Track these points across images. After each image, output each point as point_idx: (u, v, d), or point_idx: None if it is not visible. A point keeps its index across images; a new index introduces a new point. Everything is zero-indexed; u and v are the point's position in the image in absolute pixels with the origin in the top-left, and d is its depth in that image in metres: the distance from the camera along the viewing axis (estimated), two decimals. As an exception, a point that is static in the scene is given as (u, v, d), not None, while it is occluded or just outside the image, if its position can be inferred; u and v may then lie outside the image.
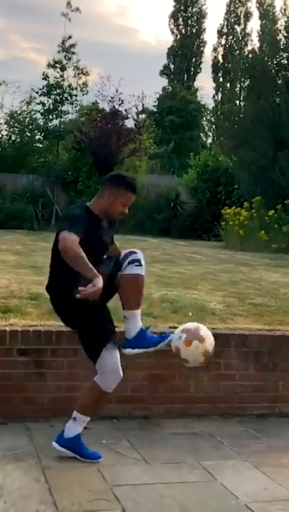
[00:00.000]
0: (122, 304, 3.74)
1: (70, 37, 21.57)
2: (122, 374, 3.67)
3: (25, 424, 4.19)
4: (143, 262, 3.67)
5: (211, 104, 39.14)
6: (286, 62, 17.66)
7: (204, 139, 37.68)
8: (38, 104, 22.37)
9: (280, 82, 17.30)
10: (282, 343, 4.89)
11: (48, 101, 21.92)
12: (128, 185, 3.72)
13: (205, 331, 3.70)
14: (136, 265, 3.62)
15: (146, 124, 23.25)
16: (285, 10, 17.80)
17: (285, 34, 17.58)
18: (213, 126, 35.54)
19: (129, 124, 21.97)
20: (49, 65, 21.66)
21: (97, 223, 3.67)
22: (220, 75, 39.98)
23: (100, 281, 3.25)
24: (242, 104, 21.62)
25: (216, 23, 64.44)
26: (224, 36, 40.25)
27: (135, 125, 22.29)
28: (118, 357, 3.65)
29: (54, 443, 3.70)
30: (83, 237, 3.41)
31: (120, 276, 3.65)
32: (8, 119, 23.24)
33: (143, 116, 30.82)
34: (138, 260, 3.64)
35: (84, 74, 21.75)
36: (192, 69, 41.27)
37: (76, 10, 21.72)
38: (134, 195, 3.74)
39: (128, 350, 3.72)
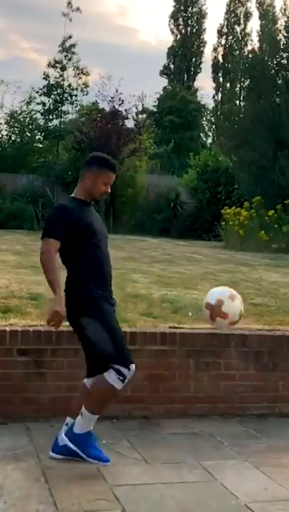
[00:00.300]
0: (87, 402, 3.58)
1: (70, 37, 21.63)
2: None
3: (25, 424, 4.19)
4: (128, 378, 3.52)
5: (211, 104, 39.16)
6: (286, 62, 17.66)
7: (204, 139, 37.67)
8: (38, 104, 22.43)
9: (280, 82, 17.30)
10: (282, 343, 4.89)
11: (48, 101, 21.96)
12: (106, 163, 3.73)
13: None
14: (119, 378, 3.48)
15: (146, 124, 23.24)
16: (285, 10, 17.82)
17: (285, 34, 17.59)
18: (213, 126, 35.52)
19: (129, 124, 21.99)
20: (49, 65, 21.70)
21: (86, 208, 3.70)
22: (220, 75, 39.97)
23: (56, 305, 3.42)
24: (242, 104, 21.61)
25: (216, 23, 64.39)
26: (224, 36, 40.25)
27: (135, 125, 22.29)
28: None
29: (50, 453, 3.66)
30: (81, 229, 3.52)
31: (101, 377, 3.52)
32: (8, 119, 23.26)
33: (143, 116, 30.81)
34: (123, 375, 3.48)
35: (84, 74, 21.80)
36: (192, 69, 41.26)
37: (77, 10, 21.79)
38: (114, 173, 3.75)
39: (64, 441, 3.63)
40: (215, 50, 40.48)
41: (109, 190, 3.76)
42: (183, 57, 40.63)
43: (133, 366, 3.52)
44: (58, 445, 3.67)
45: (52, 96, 21.81)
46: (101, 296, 3.56)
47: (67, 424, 3.69)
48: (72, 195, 3.77)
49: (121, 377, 3.47)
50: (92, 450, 3.58)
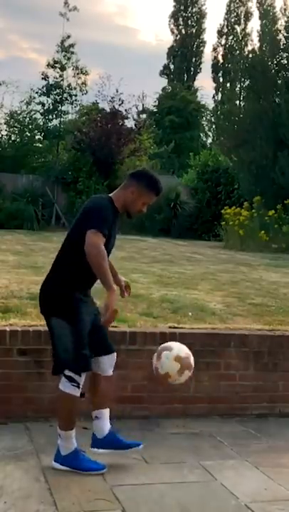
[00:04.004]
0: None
1: (69, 37, 21.59)
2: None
3: (25, 424, 4.19)
4: (81, 384, 3.51)
5: (211, 104, 39.20)
6: (286, 62, 17.67)
7: (204, 139, 37.69)
8: (37, 104, 22.40)
9: (280, 82, 17.31)
10: (282, 343, 4.89)
11: (47, 101, 21.94)
12: (154, 185, 3.63)
13: (173, 343, 3.82)
14: (73, 385, 3.48)
15: (147, 124, 23.26)
16: (285, 10, 17.83)
17: (285, 34, 17.59)
18: (213, 126, 35.52)
19: (129, 124, 22.00)
20: (48, 65, 21.67)
21: (116, 216, 3.63)
22: (220, 75, 39.98)
23: (113, 298, 3.34)
24: (242, 104, 21.58)
25: (216, 23, 64.55)
26: (224, 36, 40.26)
27: (135, 125, 22.29)
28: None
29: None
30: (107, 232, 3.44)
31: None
32: (8, 119, 23.25)
33: (143, 116, 30.81)
34: (77, 383, 3.49)
35: (83, 73, 21.76)
36: (192, 69, 41.29)
37: (74, 9, 21.70)
38: (157, 196, 3.68)
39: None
40: (215, 50, 40.54)
41: (145, 211, 3.69)
42: (183, 57, 40.66)
43: (84, 375, 3.50)
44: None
45: (51, 96, 21.79)
46: (80, 298, 3.54)
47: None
48: (112, 195, 3.66)
49: (74, 384, 3.47)
50: (85, 464, 3.55)
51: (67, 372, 3.48)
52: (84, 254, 3.37)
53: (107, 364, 3.68)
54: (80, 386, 3.50)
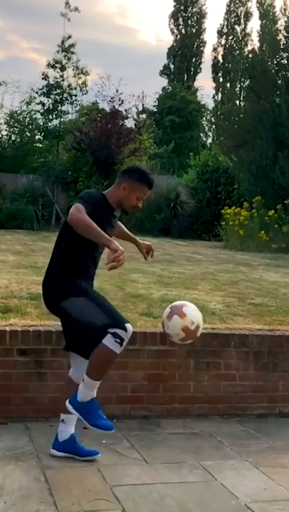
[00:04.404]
0: (88, 369, 3.52)
1: (69, 37, 21.62)
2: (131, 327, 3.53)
3: (25, 424, 4.20)
4: (125, 342, 3.44)
5: (211, 104, 39.19)
6: (286, 62, 17.66)
7: (204, 139, 37.70)
8: (37, 104, 22.41)
9: (280, 82, 17.30)
10: (282, 343, 4.89)
11: (47, 101, 21.95)
12: (145, 179, 3.68)
13: (189, 309, 3.74)
14: (116, 341, 3.41)
15: (147, 124, 23.27)
16: (285, 10, 17.82)
17: (285, 34, 17.59)
18: (213, 126, 35.49)
19: (129, 124, 22.03)
20: (49, 65, 21.69)
21: (110, 212, 3.67)
22: (220, 75, 39.98)
23: (116, 245, 3.27)
24: (242, 104, 21.56)
25: (216, 23, 64.58)
26: (224, 36, 40.26)
27: (135, 125, 22.32)
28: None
29: (51, 450, 3.70)
30: (97, 221, 3.41)
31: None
32: (8, 119, 23.26)
33: (143, 116, 30.83)
34: (120, 337, 3.41)
35: (84, 74, 21.77)
36: (192, 69, 41.30)
37: (75, 10, 21.75)
38: (150, 189, 3.71)
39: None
40: (215, 50, 40.54)
41: (140, 206, 3.73)
42: (183, 57, 40.67)
43: (129, 326, 3.45)
44: (58, 442, 3.69)
45: (52, 96, 21.80)
46: (78, 277, 3.57)
47: (62, 420, 3.69)
48: (104, 193, 3.70)
49: (118, 340, 3.41)
50: (95, 418, 3.51)
51: (111, 330, 3.41)
52: (77, 243, 3.46)
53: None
54: (123, 345, 3.42)
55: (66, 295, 3.53)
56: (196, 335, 3.73)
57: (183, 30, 41.05)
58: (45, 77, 21.66)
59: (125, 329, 3.42)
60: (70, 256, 3.58)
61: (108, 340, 3.41)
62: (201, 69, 41.50)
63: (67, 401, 3.59)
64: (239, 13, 40.11)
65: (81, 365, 3.59)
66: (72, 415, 3.63)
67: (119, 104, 21.17)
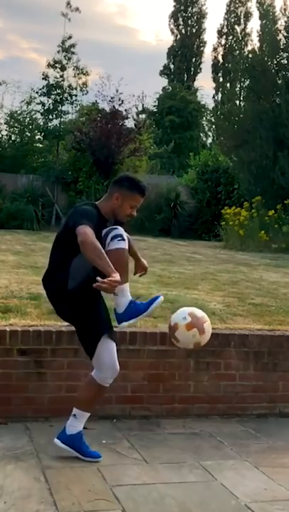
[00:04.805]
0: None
1: (70, 37, 21.61)
2: (118, 368, 3.67)
3: (25, 424, 4.19)
4: (125, 236, 3.63)
5: (211, 104, 39.24)
6: (286, 62, 17.67)
7: (204, 139, 37.73)
8: (38, 104, 22.41)
9: (280, 82, 17.31)
10: (282, 343, 4.89)
11: (47, 101, 21.94)
12: (137, 187, 3.69)
13: (208, 325, 3.74)
14: (118, 240, 3.57)
15: (146, 124, 23.26)
16: (285, 10, 17.82)
17: (285, 34, 17.59)
18: (213, 126, 35.52)
19: (129, 124, 22.02)
20: (49, 65, 21.68)
21: (104, 223, 3.67)
22: (220, 75, 40.01)
23: (117, 276, 3.29)
24: (242, 104, 21.58)
25: (216, 23, 64.60)
26: (224, 36, 40.29)
27: (135, 125, 22.30)
28: (115, 350, 3.66)
29: (56, 439, 3.70)
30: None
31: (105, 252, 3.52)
32: (8, 119, 23.25)
33: (143, 116, 30.83)
34: (120, 235, 3.58)
35: (84, 74, 21.76)
36: (192, 69, 41.32)
37: (76, 10, 21.75)
38: (143, 197, 3.72)
39: (123, 324, 3.66)
40: (215, 50, 40.59)
41: (135, 214, 3.75)
42: (183, 57, 40.70)
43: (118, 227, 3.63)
44: (65, 434, 3.68)
45: (52, 96, 21.80)
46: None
47: (74, 415, 3.69)
48: (97, 204, 3.72)
49: (119, 238, 3.58)
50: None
51: (108, 239, 3.56)
52: (73, 252, 3.47)
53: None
54: (124, 238, 3.62)
55: (77, 297, 3.55)
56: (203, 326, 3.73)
57: (183, 30, 41.08)
58: (46, 77, 21.65)
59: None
60: (69, 264, 3.56)
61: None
62: (201, 69, 41.57)
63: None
64: (239, 13, 40.15)
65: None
66: (85, 412, 3.67)
67: (119, 104, 21.17)
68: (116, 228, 3.62)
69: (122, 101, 21.23)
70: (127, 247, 3.62)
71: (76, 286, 3.54)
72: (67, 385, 4.31)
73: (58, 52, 21.71)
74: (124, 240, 3.60)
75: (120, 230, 3.62)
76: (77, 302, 3.58)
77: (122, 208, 3.66)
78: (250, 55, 19.27)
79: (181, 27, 41.13)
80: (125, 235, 3.65)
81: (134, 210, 3.72)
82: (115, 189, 3.68)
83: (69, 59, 21.68)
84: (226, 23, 40.26)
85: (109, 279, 3.22)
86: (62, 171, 20.79)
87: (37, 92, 22.07)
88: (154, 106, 36.96)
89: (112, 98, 21.30)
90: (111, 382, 3.69)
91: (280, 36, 17.71)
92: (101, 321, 3.66)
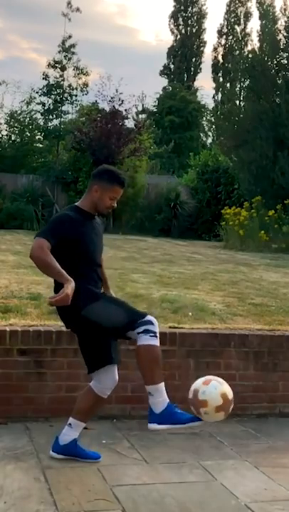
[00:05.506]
0: (144, 379, 3.54)
1: (70, 37, 21.61)
2: (117, 379, 3.65)
3: (25, 424, 4.20)
4: (158, 333, 3.48)
5: (211, 104, 39.24)
6: (286, 62, 17.66)
7: (204, 139, 37.72)
8: (38, 104, 22.41)
9: (280, 82, 17.30)
10: (282, 343, 4.89)
11: (48, 101, 21.94)
12: (115, 178, 3.68)
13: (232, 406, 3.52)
14: (151, 336, 3.43)
15: (146, 124, 23.24)
16: (285, 10, 17.80)
17: (285, 34, 17.58)
18: (213, 126, 35.53)
19: (129, 124, 21.99)
20: (49, 65, 21.68)
21: (90, 219, 3.67)
22: (220, 75, 40.00)
23: (70, 286, 3.25)
24: (242, 104, 21.59)
25: (216, 23, 64.59)
26: (224, 36, 40.29)
27: (135, 125, 22.28)
28: (116, 371, 3.63)
29: (51, 452, 3.67)
30: (75, 239, 3.50)
31: (136, 347, 3.48)
32: (8, 119, 23.26)
33: (143, 116, 30.82)
34: (154, 332, 3.45)
35: (84, 74, 21.77)
36: (192, 69, 41.31)
37: (76, 10, 21.75)
38: (122, 188, 3.70)
39: (154, 426, 3.51)
40: (215, 50, 40.58)
41: (115, 205, 3.74)
42: (183, 57, 40.69)
43: (151, 317, 3.50)
44: (58, 445, 3.67)
45: (52, 96, 21.80)
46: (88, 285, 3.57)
47: (70, 424, 3.67)
48: (77, 203, 3.73)
49: (152, 334, 3.43)
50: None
51: (140, 329, 3.43)
52: (77, 257, 3.51)
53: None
54: (157, 335, 3.45)
55: (81, 305, 3.47)
56: (229, 409, 3.48)
57: (183, 30, 41.06)
58: (46, 77, 21.66)
59: (152, 323, 3.48)
60: (73, 270, 3.45)
61: (143, 339, 3.43)
62: (201, 69, 41.55)
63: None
64: (239, 13, 40.14)
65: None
66: (81, 422, 3.65)
67: (119, 104, 21.15)
68: (152, 323, 3.47)
69: (122, 101, 21.22)
70: (159, 344, 3.47)
71: (89, 313, 3.48)
72: (67, 385, 4.31)
73: (58, 52, 21.73)
74: (156, 337, 3.45)
75: (155, 327, 3.48)
76: (88, 326, 3.53)
77: (103, 200, 3.65)
78: (250, 55, 19.26)
79: (181, 27, 41.12)
80: (158, 331, 3.49)
81: (114, 202, 3.71)
82: (95, 181, 3.68)
83: (69, 59, 21.68)
84: (225, 23, 40.27)
85: (59, 297, 3.21)
86: (62, 171, 20.79)
87: (37, 92, 22.08)
88: (154, 106, 36.96)
89: (112, 98, 21.30)
90: (109, 393, 3.67)
91: (280, 36, 17.71)
92: (109, 350, 3.58)
